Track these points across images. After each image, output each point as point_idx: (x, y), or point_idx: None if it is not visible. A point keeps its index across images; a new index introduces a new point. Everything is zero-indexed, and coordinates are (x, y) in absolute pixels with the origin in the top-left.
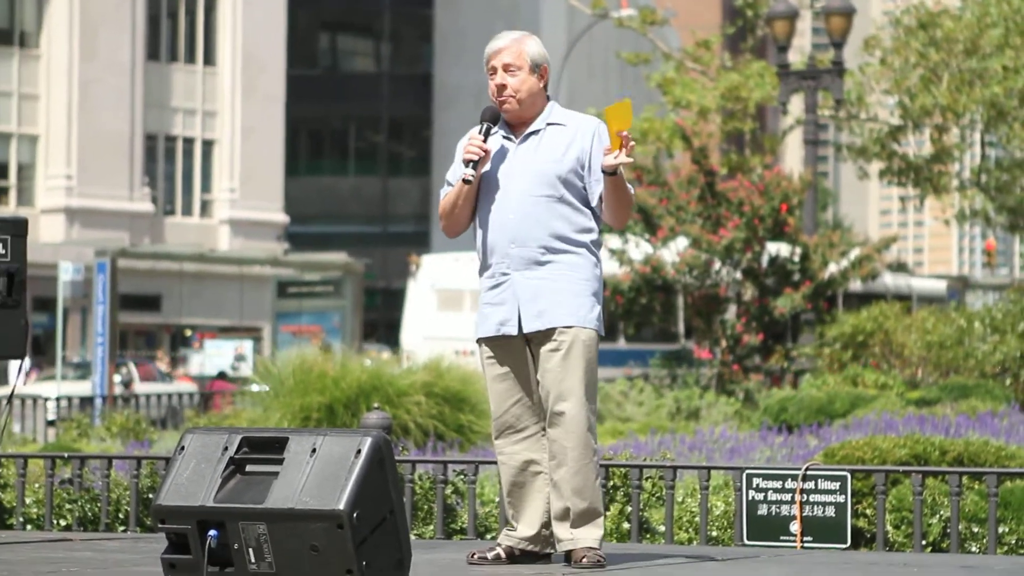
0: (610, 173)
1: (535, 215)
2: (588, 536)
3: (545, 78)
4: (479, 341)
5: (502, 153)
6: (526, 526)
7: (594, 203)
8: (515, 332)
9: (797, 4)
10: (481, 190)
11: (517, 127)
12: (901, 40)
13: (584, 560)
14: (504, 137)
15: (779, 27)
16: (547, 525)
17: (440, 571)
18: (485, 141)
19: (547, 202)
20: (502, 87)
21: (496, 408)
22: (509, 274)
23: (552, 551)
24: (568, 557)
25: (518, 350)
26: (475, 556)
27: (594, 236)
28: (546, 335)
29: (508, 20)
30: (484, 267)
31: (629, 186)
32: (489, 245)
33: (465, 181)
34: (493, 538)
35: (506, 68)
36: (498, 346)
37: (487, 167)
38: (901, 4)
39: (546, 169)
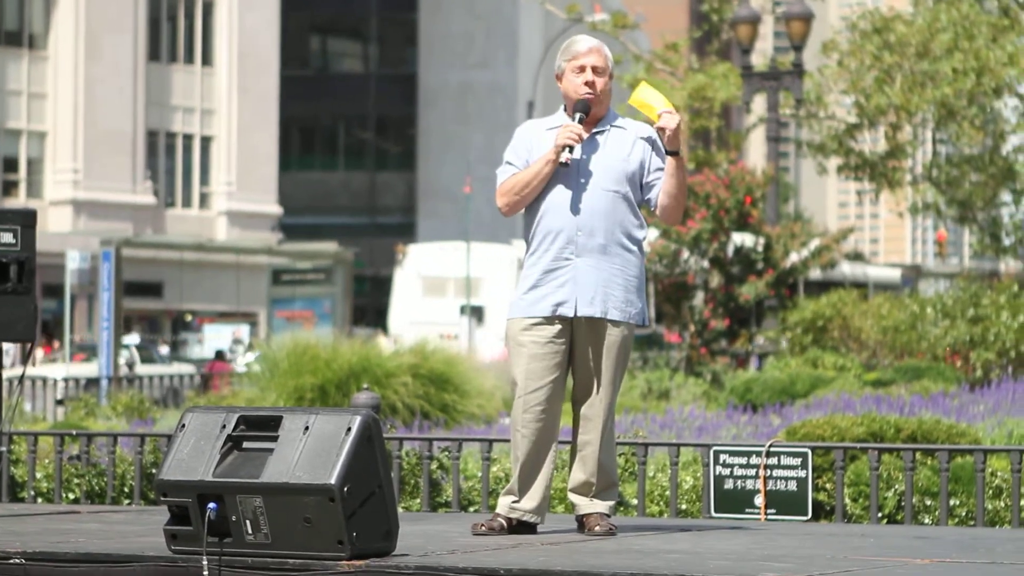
0: (673, 152)
1: (604, 208)
2: (604, 505)
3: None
4: (517, 319)
5: (582, 148)
6: (529, 499)
7: (651, 196)
8: (571, 314)
9: (759, 9)
10: (555, 179)
11: (586, 125)
12: (857, 44)
13: (597, 528)
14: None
15: (743, 31)
16: (546, 499)
17: (426, 541)
18: None
19: (614, 197)
20: (592, 84)
21: (529, 383)
22: (572, 259)
23: (541, 523)
24: (581, 523)
25: (564, 332)
26: (481, 527)
27: (643, 235)
28: (594, 325)
29: (488, 24)
30: (541, 249)
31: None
32: (553, 230)
33: (563, 164)
34: (476, 511)
35: (594, 69)
36: (547, 326)
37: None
38: (857, 10)
39: (616, 166)
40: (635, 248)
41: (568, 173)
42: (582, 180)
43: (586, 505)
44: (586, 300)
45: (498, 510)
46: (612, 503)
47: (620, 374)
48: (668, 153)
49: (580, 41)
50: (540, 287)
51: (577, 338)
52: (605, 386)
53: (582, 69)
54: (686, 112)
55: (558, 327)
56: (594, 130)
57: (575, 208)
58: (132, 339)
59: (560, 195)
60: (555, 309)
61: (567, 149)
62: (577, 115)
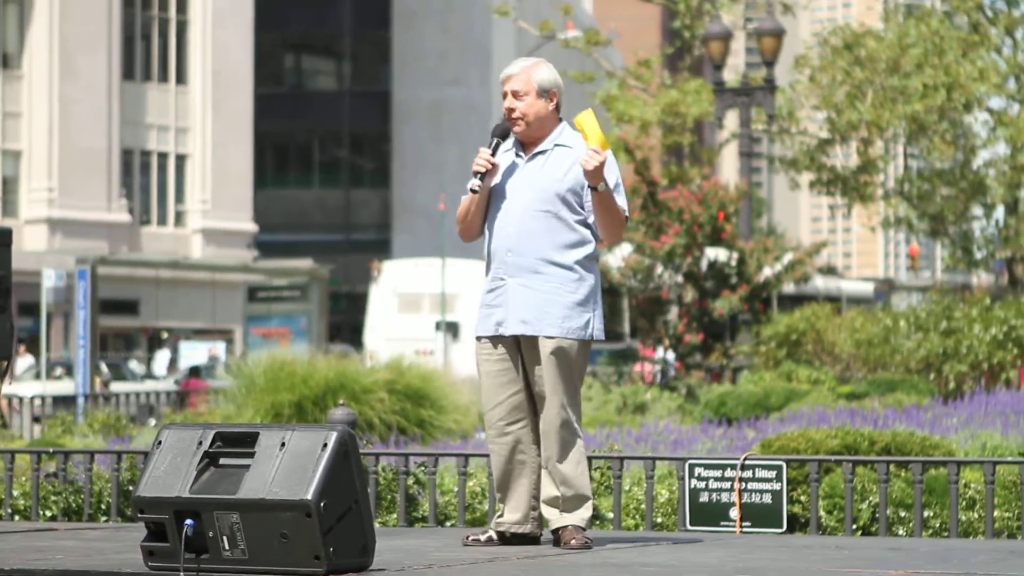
0: (593, 187)
1: (532, 229)
2: (575, 518)
3: (554, 101)
4: (478, 338)
5: (511, 169)
6: (512, 511)
7: (591, 221)
8: (508, 333)
9: (731, 25)
10: (491, 201)
11: (527, 146)
12: (828, 59)
13: (572, 542)
14: (516, 155)
15: (714, 47)
16: (535, 508)
17: (403, 556)
18: (494, 155)
19: (545, 217)
20: (510, 110)
21: (487, 402)
22: (505, 280)
23: (540, 532)
24: (556, 538)
25: (511, 350)
26: (469, 539)
27: (588, 251)
28: (532, 342)
29: (462, 41)
30: (487, 270)
31: (621, 204)
32: (491, 252)
33: (472, 191)
34: (453, 526)
35: (515, 94)
36: (493, 344)
37: (498, 180)
38: (828, 25)
39: (547, 187)
40: (576, 265)
41: (504, 196)
42: (514, 203)
43: (557, 518)
44: (517, 319)
45: (490, 525)
46: (586, 516)
47: (568, 386)
48: (589, 187)
49: (508, 67)
50: (484, 307)
51: (524, 356)
52: (551, 399)
53: (505, 96)
54: (659, 128)
55: (502, 344)
56: (535, 150)
57: (505, 230)
58: (164, 356)
59: (495, 218)
60: (496, 328)
61: (475, 176)
62: (494, 140)
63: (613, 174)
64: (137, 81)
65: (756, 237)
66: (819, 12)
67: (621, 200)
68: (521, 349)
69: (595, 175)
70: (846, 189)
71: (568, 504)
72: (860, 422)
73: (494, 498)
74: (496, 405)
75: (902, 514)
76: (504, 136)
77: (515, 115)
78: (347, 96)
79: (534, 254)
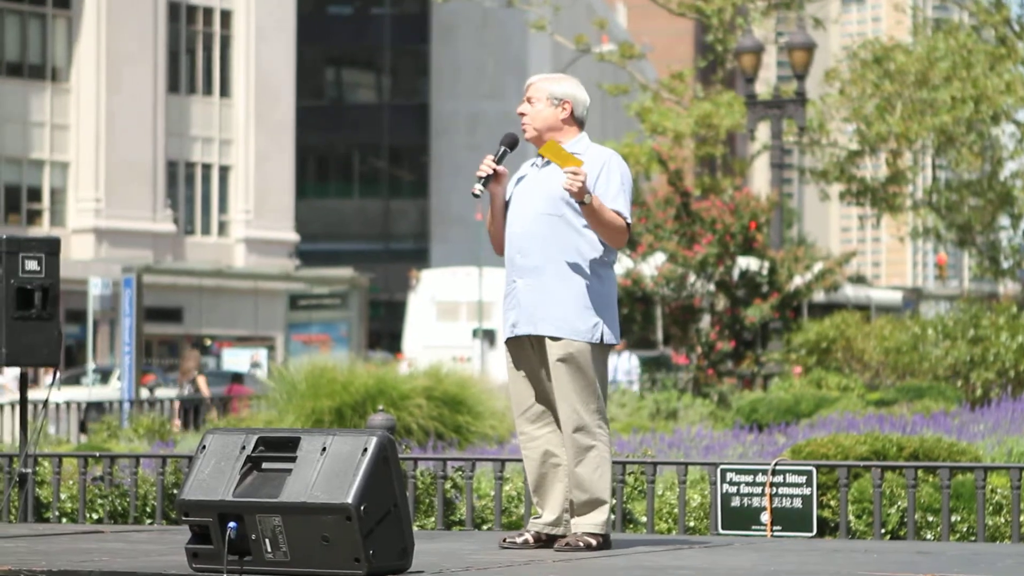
0: (580, 202)
1: (538, 231)
2: (587, 523)
3: (567, 111)
4: (505, 343)
5: (528, 178)
6: (549, 512)
7: None
8: (521, 333)
9: (763, 39)
10: (508, 210)
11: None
12: (858, 72)
13: (567, 545)
14: (533, 165)
15: (746, 61)
16: (568, 510)
17: (441, 559)
18: (499, 163)
19: (550, 220)
20: (521, 114)
21: (517, 406)
22: (516, 282)
23: None
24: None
25: (531, 352)
26: (506, 541)
27: (596, 255)
28: (542, 343)
29: (498, 55)
30: (506, 275)
31: (617, 208)
32: (506, 256)
33: (473, 195)
34: (489, 529)
35: (528, 100)
36: (515, 347)
37: (516, 190)
38: (858, 39)
39: (554, 191)
40: (585, 267)
41: (517, 204)
42: (525, 208)
43: (572, 523)
44: (526, 319)
45: (527, 526)
46: (600, 520)
47: (580, 390)
48: (577, 202)
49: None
50: (504, 312)
51: (540, 358)
52: (562, 401)
53: (522, 102)
54: (692, 140)
55: (523, 346)
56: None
57: (515, 233)
58: (260, 357)
59: (509, 223)
60: (512, 330)
61: (478, 181)
62: (501, 147)
63: (616, 178)
64: (182, 94)
65: (787, 247)
66: (849, 26)
67: (621, 204)
68: (536, 351)
69: (577, 192)
70: (875, 200)
71: (581, 508)
72: (889, 428)
73: (530, 502)
74: (523, 412)
75: (930, 519)
76: (512, 145)
77: (524, 119)
78: (386, 109)
79: (541, 256)
